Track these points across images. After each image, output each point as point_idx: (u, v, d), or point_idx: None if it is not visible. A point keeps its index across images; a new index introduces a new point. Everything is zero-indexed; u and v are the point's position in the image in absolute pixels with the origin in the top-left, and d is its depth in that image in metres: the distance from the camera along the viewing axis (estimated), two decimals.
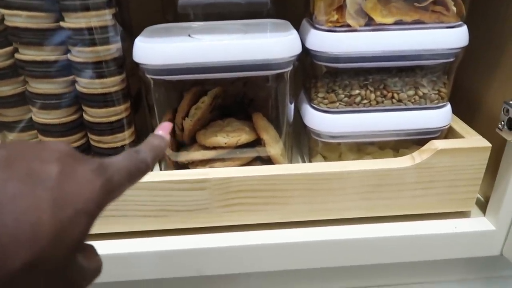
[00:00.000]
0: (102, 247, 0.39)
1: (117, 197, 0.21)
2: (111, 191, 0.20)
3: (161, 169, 0.46)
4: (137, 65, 0.38)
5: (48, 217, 0.17)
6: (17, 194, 0.17)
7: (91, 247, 0.21)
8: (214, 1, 0.50)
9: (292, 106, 0.44)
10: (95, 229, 0.41)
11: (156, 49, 0.37)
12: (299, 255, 0.40)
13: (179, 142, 0.45)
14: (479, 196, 0.45)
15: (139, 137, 0.45)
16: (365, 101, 0.41)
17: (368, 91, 0.41)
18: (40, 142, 0.20)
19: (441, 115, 0.42)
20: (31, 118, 0.41)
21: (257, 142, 0.43)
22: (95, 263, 0.21)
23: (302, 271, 0.44)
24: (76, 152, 0.20)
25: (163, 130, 0.27)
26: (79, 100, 0.41)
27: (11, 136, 0.43)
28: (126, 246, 0.39)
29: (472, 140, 0.40)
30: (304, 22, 0.43)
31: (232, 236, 0.40)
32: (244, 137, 0.42)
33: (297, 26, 0.43)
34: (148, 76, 0.39)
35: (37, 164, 0.18)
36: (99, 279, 0.40)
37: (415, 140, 0.44)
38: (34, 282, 0.16)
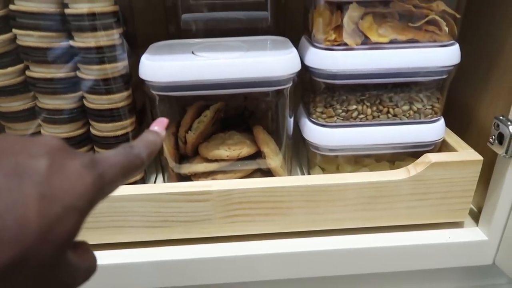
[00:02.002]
0: (106, 257, 0.40)
1: (110, 193, 0.20)
2: (103, 186, 0.19)
3: (164, 181, 0.47)
4: (142, 81, 0.40)
5: (34, 213, 0.16)
6: (2, 189, 0.16)
7: (84, 244, 0.21)
8: (216, 16, 0.51)
9: (292, 120, 0.45)
10: (99, 239, 0.42)
11: (161, 67, 0.38)
12: (298, 265, 0.42)
13: (182, 155, 0.46)
14: (472, 207, 0.46)
15: None
16: (362, 116, 0.43)
17: (364, 106, 0.43)
18: (31, 137, 0.19)
19: (434, 129, 0.44)
20: (39, 132, 0.43)
21: (258, 154, 0.45)
22: (88, 261, 0.20)
23: (302, 280, 0.45)
24: (68, 146, 0.19)
25: (159, 125, 0.26)
26: (87, 115, 0.42)
27: None
28: (130, 256, 0.40)
29: (465, 153, 0.42)
30: (303, 40, 0.45)
31: (234, 246, 0.41)
32: (245, 150, 0.44)
33: (295, 41, 0.45)
34: (154, 92, 0.40)
35: (25, 158, 0.17)
36: None
37: (410, 153, 0.46)
38: (21, 280, 0.16)
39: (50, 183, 0.17)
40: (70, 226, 0.17)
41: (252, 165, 0.45)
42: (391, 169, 0.46)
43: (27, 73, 0.40)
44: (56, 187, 0.17)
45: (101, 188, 0.19)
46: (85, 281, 0.20)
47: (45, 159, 0.17)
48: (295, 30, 0.47)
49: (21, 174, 0.17)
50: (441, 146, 0.45)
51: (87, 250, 0.21)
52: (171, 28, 0.52)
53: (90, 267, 0.21)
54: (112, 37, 0.38)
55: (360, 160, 0.47)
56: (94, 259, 0.21)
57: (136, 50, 0.43)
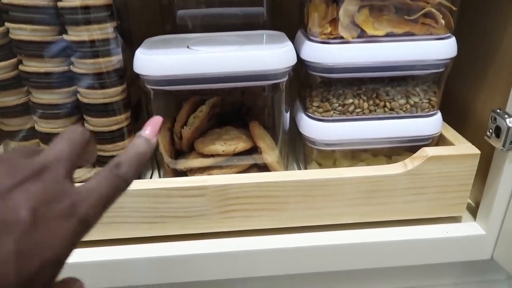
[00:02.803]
0: (102, 253, 0.40)
1: (93, 226, 0.20)
2: (85, 228, 0.19)
3: (160, 177, 0.47)
4: (137, 75, 0.39)
5: (13, 271, 0.16)
6: None
7: (67, 281, 0.21)
8: (211, 12, 0.51)
9: (288, 114, 0.45)
10: (94, 235, 0.42)
11: (156, 60, 0.38)
12: (295, 260, 0.41)
13: (178, 150, 0.46)
14: (469, 201, 0.46)
15: None
16: (358, 110, 0.43)
17: (361, 100, 0.42)
18: (13, 174, 0.18)
19: (432, 123, 0.44)
20: (33, 127, 0.42)
21: (254, 149, 0.44)
22: None
23: (299, 276, 0.45)
24: (49, 189, 0.19)
25: (152, 128, 0.24)
26: (81, 110, 0.42)
27: (14, 145, 0.44)
28: (125, 252, 0.40)
29: (462, 147, 0.42)
30: (299, 34, 0.45)
31: (230, 241, 0.41)
32: (241, 145, 0.43)
33: (292, 36, 0.45)
34: (148, 86, 0.40)
35: (5, 211, 0.17)
36: (100, 285, 0.41)
37: (407, 147, 0.45)
38: None
39: (30, 238, 0.17)
40: (48, 277, 0.18)
41: (248, 161, 0.45)
42: (388, 163, 0.46)
43: (20, 67, 0.39)
44: (36, 241, 0.17)
45: (83, 230, 0.19)
46: None
47: (27, 211, 0.17)
48: (291, 26, 0.47)
49: (0, 229, 0.17)
50: (438, 140, 0.45)
51: (72, 284, 0.21)
52: (167, 25, 0.52)
53: None
54: (105, 30, 0.38)
55: (357, 155, 0.47)
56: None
57: (131, 46, 0.43)
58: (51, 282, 0.18)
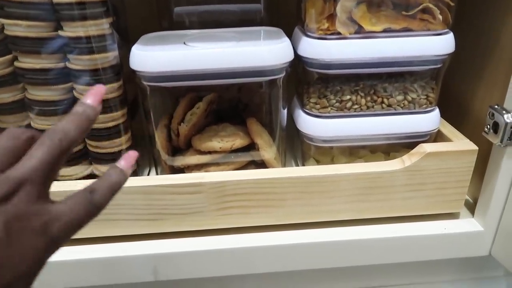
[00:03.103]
0: (98, 251, 0.40)
1: (62, 245, 0.21)
2: (55, 246, 0.21)
3: (157, 174, 0.47)
4: (134, 72, 0.39)
5: None
6: None
7: None
8: (209, 9, 0.51)
9: (285, 111, 0.45)
10: (91, 232, 0.41)
11: (153, 56, 0.38)
12: (293, 257, 0.41)
13: (175, 147, 0.46)
14: (467, 197, 0.46)
15: (136, 142, 0.46)
16: (356, 106, 0.42)
17: (359, 97, 0.42)
18: None
19: (429, 119, 0.43)
20: (29, 124, 0.42)
21: (251, 146, 0.44)
22: None
23: (296, 273, 0.45)
24: (22, 208, 0.20)
25: (126, 162, 0.25)
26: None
27: None
28: (122, 249, 0.40)
29: (460, 143, 0.41)
30: (296, 30, 0.45)
31: (227, 238, 0.41)
32: (238, 141, 0.43)
33: (289, 33, 0.44)
34: (145, 83, 0.40)
35: None
36: (96, 283, 0.40)
37: (405, 144, 0.45)
38: None
39: (3, 252, 0.18)
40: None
41: (245, 157, 0.45)
42: (386, 160, 0.46)
43: (16, 63, 0.39)
44: (9, 256, 0.18)
45: (52, 250, 0.21)
46: None
47: (2, 229, 0.18)
48: (289, 22, 0.47)
49: None
50: (436, 136, 0.45)
51: None
52: (163, 22, 0.52)
53: None
54: (101, 26, 0.38)
55: (355, 151, 0.47)
56: None
57: (127, 43, 0.43)
58: None
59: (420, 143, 0.41)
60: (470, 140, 0.41)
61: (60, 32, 0.38)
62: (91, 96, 0.24)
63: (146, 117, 0.43)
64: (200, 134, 0.45)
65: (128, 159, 0.25)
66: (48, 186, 0.22)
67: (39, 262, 0.20)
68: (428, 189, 0.41)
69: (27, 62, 0.38)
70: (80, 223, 0.22)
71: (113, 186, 0.23)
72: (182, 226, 0.41)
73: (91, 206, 0.22)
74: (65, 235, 0.21)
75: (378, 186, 0.40)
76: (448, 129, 0.45)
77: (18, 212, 0.19)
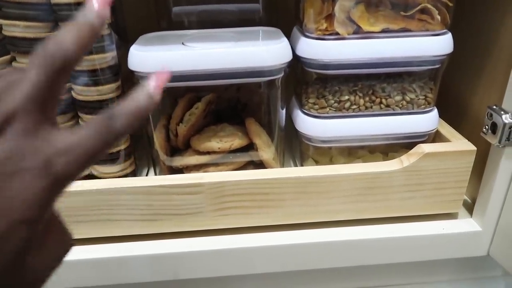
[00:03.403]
0: (96, 251, 0.40)
1: (72, 183, 0.18)
2: (60, 187, 0.18)
3: (155, 174, 0.47)
4: (132, 72, 0.39)
5: None
6: None
7: (55, 224, 0.19)
8: (207, 8, 0.51)
9: (284, 111, 0.45)
10: (90, 233, 0.41)
11: (151, 57, 0.38)
12: (292, 257, 0.41)
13: (174, 147, 0.46)
14: (466, 198, 0.46)
15: (134, 142, 0.46)
16: (354, 107, 0.43)
17: (357, 97, 0.42)
18: None
19: (428, 120, 0.44)
20: None
21: (250, 146, 0.44)
22: (56, 249, 0.19)
23: (295, 273, 0.45)
24: (14, 146, 0.17)
25: (156, 81, 0.20)
26: (75, 107, 0.41)
27: None
28: (121, 250, 0.40)
29: (458, 143, 0.41)
30: (295, 30, 0.45)
31: (226, 239, 0.41)
32: (237, 142, 0.43)
33: (288, 33, 0.44)
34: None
35: None
36: (96, 283, 0.40)
37: (403, 144, 0.45)
38: None
39: None
40: (19, 239, 0.16)
41: (244, 157, 0.45)
42: (384, 160, 0.46)
43: (14, 64, 0.39)
44: (2, 201, 0.16)
45: (58, 190, 0.18)
46: (53, 270, 0.19)
47: None
48: (287, 22, 0.47)
49: None
50: (435, 136, 0.45)
51: (58, 233, 0.19)
52: (162, 22, 0.52)
53: (60, 254, 0.19)
54: None
55: (354, 152, 0.47)
56: (64, 242, 0.20)
57: (126, 43, 0.42)
58: (24, 245, 0.17)
59: (418, 143, 0.41)
60: (469, 140, 0.41)
61: None
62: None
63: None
64: (199, 135, 0.45)
65: (159, 78, 0.20)
66: (49, 112, 0.18)
67: (42, 205, 0.17)
68: (427, 189, 0.41)
69: (25, 63, 0.38)
70: (93, 156, 0.18)
71: (139, 111, 0.19)
72: (181, 226, 0.41)
73: (108, 135, 0.18)
74: (73, 172, 0.18)
75: (376, 187, 0.40)
76: (447, 130, 0.45)
77: (10, 151, 0.17)
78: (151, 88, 0.20)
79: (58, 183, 0.17)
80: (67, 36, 0.18)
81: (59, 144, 0.17)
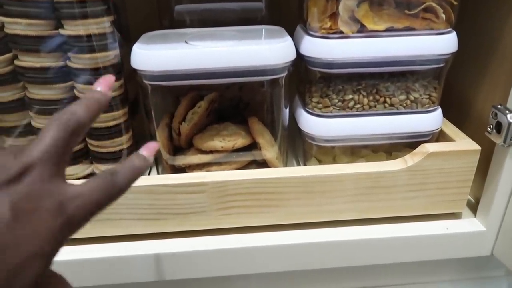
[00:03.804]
0: (99, 251, 0.40)
1: (82, 227, 0.21)
2: (71, 228, 0.20)
3: (158, 173, 0.47)
4: (135, 71, 0.39)
5: None
6: None
7: (58, 279, 0.21)
8: (210, 7, 0.51)
9: (287, 110, 0.44)
10: (92, 232, 0.41)
11: (154, 55, 0.38)
12: (295, 257, 0.41)
13: (176, 146, 0.46)
14: (469, 197, 0.46)
15: (137, 141, 0.46)
16: (358, 106, 0.42)
17: (361, 96, 0.42)
18: None
19: (432, 119, 0.43)
20: (30, 123, 0.42)
21: (253, 146, 0.44)
22: None
23: (298, 273, 0.45)
24: (33, 189, 0.19)
25: (148, 150, 0.25)
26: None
27: (10, 141, 0.43)
28: (123, 249, 0.40)
29: (462, 143, 0.41)
30: (298, 29, 0.44)
31: (229, 238, 0.41)
32: (240, 141, 0.43)
33: (291, 32, 0.44)
34: (146, 82, 0.39)
35: None
36: (97, 283, 0.40)
37: (407, 143, 0.45)
38: None
39: (14, 233, 0.18)
40: (34, 271, 0.18)
41: (247, 157, 0.44)
42: (388, 160, 0.46)
43: (16, 62, 0.39)
44: (18, 236, 0.18)
45: (69, 230, 0.20)
46: None
47: (8, 210, 0.18)
48: (291, 21, 0.46)
49: None
50: (439, 136, 0.45)
51: (62, 284, 0.21)
52: (164, 21, 0.51)
53: None
54: (102, 25, 0.37)
55: (357, 151, 0.46)
56: None
57: (128, 42, 0.42)
58: (38, 278, 0.18)
59: (422, 143, 0.41)
60: (473, 140, 0.41)
61: (60, 31, 0.37)
62: (101, 84, 0.25)
63: (147, 116, 0.42)
64: (202, 134, 0.44)
65: (150, 147, 0.25)
66: (61, 167, 0.21)
67: (55, 242, 0.19)
68: (430, 189, 0.41)
69: (27, 61, 0.38)
70: (98, 205, 0.21)
71: (136, 170, 0.23)
72: (184, 225, 0.40)
73: (112, 188, 0.22)
74: (83, 216, 0.20)
75: (380, 186, 0.40)
76: (451, 129, 0.44)
77: (30, 192, 0.19)
78: (145, 154, 0.25)
79: (69, 224, 0.20)
80: (78, 107, 0.22)
81: (70, 191, 0.20)
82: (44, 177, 0.20)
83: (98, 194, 0.21)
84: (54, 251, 0.19)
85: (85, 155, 0.44)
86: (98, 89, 0.24)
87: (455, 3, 0.39)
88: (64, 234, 0.20)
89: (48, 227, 0.19)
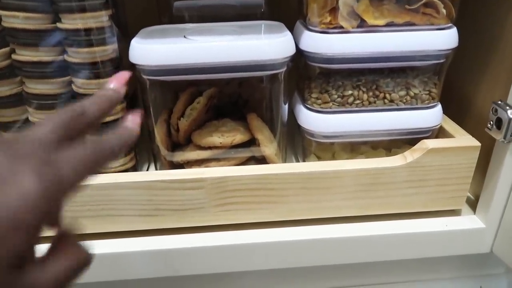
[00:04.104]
0: (97, 247, 0.39)
1: (72, 191, 0.19)
2: (59, 192, 0.18)
3: (156, 169, 0.47)
4: (133, 65, 0.39)
5: None
6: None
7: (64, 246, 0.19)
8: (209, 3, 0.50)
9: (286, 106, 0.44)
10: (90, 228, 0.41)
11: (152, 50, 0.37)
12: (293, 254, 0.41)
13: (175, 142, 0.45)
14: (469, 194, 0.46)
15: None
16: (357, 102, 0.42)
17: (360, 92, 0.42)
18: None
19: (432, 115, 0.43)
20: (27, 118, 0.42)
21: (252, 142, 0.44)
22: (64, 270, 0.18)
23: (297, 270, 0.45)
24: (20, 144, 0.18)
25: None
26: (75, 101, 0.41)
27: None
28: (121, 245, 0.39)
29: (462, 139, 0.41)
30: (298, 24, 0.44)
31: (228, 235, 0.41)
32: (239, 137, 0.43)
33: (291, 27, 0.44)
34: (144, 76, 0.39)
35: None
36: (96, 279, 0.40)
37: (407, 140, 0.45)
38: None
39: None
40: (15, 244, 0.16)
41: (246, 153, 0.44)
42: (387, 156, 0.45)
43: (13, 56, 0.38)
44: None
45: (57, 194, 0.18)
46: (66, 284, 0.19)
47: None
48: (290, 17, 0.46)
49: None
50: (438, 132, 0.45)
51: (67, 251, 0.19)
52: (163, 17, 0.51)
53: (70, 272, 0.19)
54: (100, 19, 0.37)
55: (356, 147, 0.46)
56: (78, 260, 0.19)
57: (126, 37, 0.42)
58: (15, 254, 0.16)
59: (422, 139, 0.41)
60: (473, 136, 0.41)
61: (58, 25, 0.37)
62: (115, 81, 0.25)
63: (146, 111, 0.42)
64: (200, 129, 0.44)
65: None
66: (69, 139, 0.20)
67: (38, 209, 0.17)
68: (430, 186, 0.41)
69: (25, 55, 0.38)
70: (91, 165, 0.20)
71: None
72: (182, 222, 0.40)
73: (103, 149, 0.21)
74: (74, 178, 0.19)
75: (379, 183, 0.40)
76: (451, 125, 0.44)
77: (13, 144, 0.18)
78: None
79: (56, 189, 0.17)
80: (89, 102, 0.23)
81: (59, 151, 0.19)
82: (46, 143, 0.19)
83: (90, 155, 0.20)
84: (38, 219, 0.16)
85: None
86: (111, 86, 0.25)
87: None
88: (49, 201, 0.17)
89: (29, 193, 0.16)
